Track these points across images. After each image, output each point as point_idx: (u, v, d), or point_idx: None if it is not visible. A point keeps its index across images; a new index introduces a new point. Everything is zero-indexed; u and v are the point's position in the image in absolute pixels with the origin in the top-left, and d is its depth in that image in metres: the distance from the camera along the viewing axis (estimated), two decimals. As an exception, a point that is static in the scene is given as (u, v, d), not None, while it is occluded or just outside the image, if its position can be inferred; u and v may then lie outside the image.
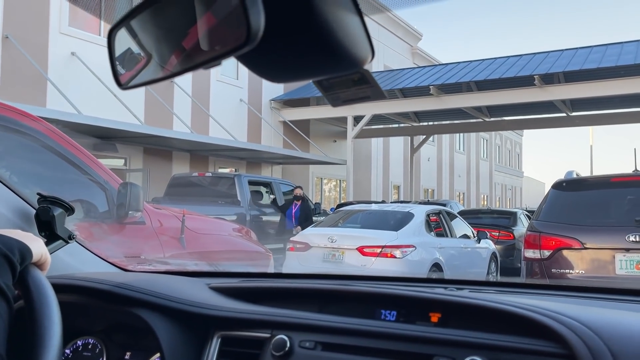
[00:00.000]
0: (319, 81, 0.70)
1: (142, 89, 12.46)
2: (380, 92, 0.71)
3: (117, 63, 0.74)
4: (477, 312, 0.97)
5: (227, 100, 15.33)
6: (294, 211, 9.68)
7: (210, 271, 1.47)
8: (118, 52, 0.74)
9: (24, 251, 0.95)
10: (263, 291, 1.21)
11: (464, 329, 0.95)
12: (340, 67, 0.64)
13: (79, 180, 3.25)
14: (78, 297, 1.26)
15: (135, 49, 0.71)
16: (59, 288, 1.23)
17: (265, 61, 0.64)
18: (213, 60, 0.60)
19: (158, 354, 1.15)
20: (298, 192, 9.99)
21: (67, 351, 1.35)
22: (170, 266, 3.56)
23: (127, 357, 1.29)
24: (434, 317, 1.01)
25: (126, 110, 11.02)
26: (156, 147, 13.06)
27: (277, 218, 9.98)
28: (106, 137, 11.52)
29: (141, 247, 3.57)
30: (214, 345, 1.12)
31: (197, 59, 0.62)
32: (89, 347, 1.33)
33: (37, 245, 0.99)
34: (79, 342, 1.35)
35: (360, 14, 0.62)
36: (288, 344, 1.03)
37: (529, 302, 0.96)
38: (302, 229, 8.54)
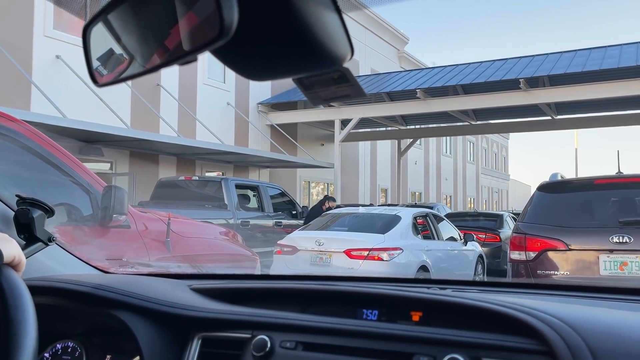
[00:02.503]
0: (299, 79, 0.69)
1: (128, 93, 12.39)
2: (360, 90, 0.71)
3: (94, 61, 0.73)
4: (458, 311, 0.97)
5: (214, 104, 15.28)
6: None
7: (192, 273, 1.46)
8: (94, 48, 0.73)
9: None
10: (244, 292, 1.20)
11: (444, 328, 0.94)
12: (320, 65, 0.63)
13: (62, 183, 3.22)
14: (57, 300, 1.24)
15: (112, 44, 0.70)
16: (37, 290, 1.21)
17: (244, 59, 0.63)
18: (188, 54, 0.59)
19: (138, 357, 1.14)
20: (333, 204, 10.23)
21: (47, 355, 1.33)
22: (153, 268, 3.53)
23: (107, 360, 1.27)
24: (415, 316, 1.01)
25: (112, 113, 10.93)
26: (142, 151, 12.97)
27: (265, 222, 9.94)
28: (92, 141, 11.41)
29: (126, 250, 3.54)
30: (195, 347, 1.11)
31: (172, 54, 0.61)
32: (69, 350, 1.31)
33: (8, 246, 0.97)
34: (58, 346, 1.33)
35: (339, 11, 0.62)
36: (269, 344, 1.02)
37: (509, 300, 0.96)
38: None
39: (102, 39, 0.71)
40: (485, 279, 8.72)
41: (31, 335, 0.83)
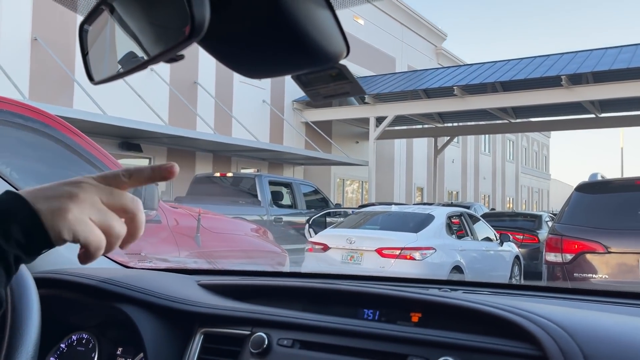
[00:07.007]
0: (297, 77, 0.70)
1: (166, 90, 12.64)
2: (359, 88, 0.71)
3: (91, 59, 0.75)
4: (455, 313, 0.95)
5: (250, 102, 15.44)
6: None
7: (204, 269, 1.48)
8: (90, 47, 0.75)
9: None
10: (248, 289, 1.21)
11: (442, 329, 0.93)
12: (314, 63, 0.63)
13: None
14: (71, 292, 1.28)
15: (105, 42, 0.72)
16: (49, 283, 1.26)
17: (240, 57, 0.64)
18: (162, 55, 0.60)
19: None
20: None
21: (62, 345, 1.38)
22: (169, 264, 3.60)
23: (118, 352, 1.30)
24: (415, 317, 1.00)
25: (150, 111, 11.18)
26: (180, 148, 13.23)
27: (297, 219, 9.99)
28: (131, 138, 11.71)
29: (156, 245, 3.62)
30: (197, 342, 1.12)
31: (150, 54, 0.62)
32: (83, 341, 1.35)
33: None
34: (74, 337, 1.37)
35: (331, 8, 0.61)
36: (266, 342, 1.03)
37: (510, 302, 0.93)
38: None
39: (96, 37, 0.73)
40: (508, 282, 8.51)
41: (31, 345, 0.83)
